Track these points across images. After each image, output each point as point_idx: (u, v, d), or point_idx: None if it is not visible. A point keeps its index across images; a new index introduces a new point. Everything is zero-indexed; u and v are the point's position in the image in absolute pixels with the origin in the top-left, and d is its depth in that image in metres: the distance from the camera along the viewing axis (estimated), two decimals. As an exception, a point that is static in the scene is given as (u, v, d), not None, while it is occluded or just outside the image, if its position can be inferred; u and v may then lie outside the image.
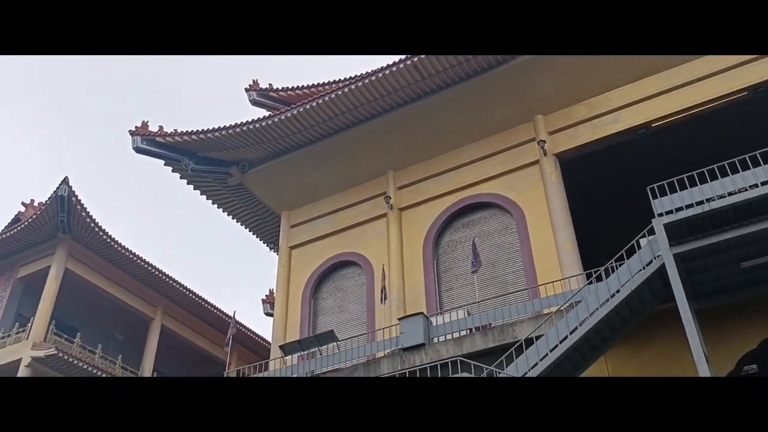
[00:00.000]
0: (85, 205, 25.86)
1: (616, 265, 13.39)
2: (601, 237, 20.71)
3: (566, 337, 12.68)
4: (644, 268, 12.62)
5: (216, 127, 21.10)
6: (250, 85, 25.22)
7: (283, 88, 24.85)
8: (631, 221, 17.34)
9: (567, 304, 13.96)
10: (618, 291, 12.64)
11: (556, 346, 12.69)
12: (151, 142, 21.96)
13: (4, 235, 26.46)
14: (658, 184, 13.44)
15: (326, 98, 19.65)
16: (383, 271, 18.95)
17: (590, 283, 13.82)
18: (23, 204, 29.10)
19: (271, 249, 25.87)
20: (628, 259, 13.04)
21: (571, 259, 16.65)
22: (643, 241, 13.24)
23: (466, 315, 16.23)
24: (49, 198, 25.40)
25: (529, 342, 13.35)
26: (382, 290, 18.25)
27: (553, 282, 15.56)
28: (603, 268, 13.78)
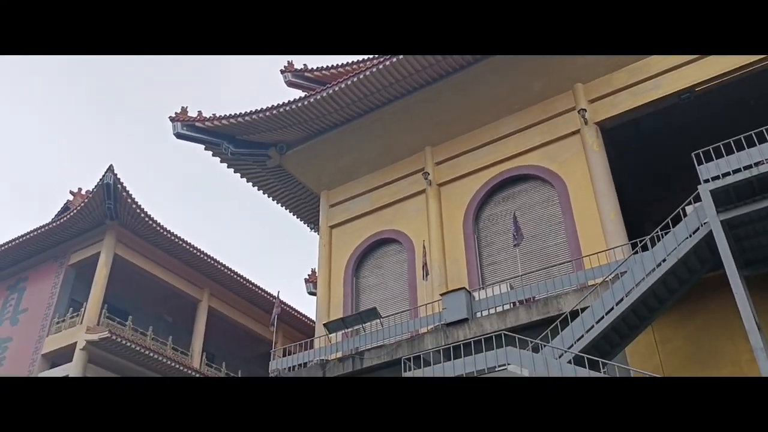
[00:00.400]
0: (130, 192, 26.42)
1: (661, 234, 13.13)
2: (645, 206, 20.29)
3: (612, 309, 12.53)
4: (691, 235, 12.34)
5: (253, 110, 21.26)
6: (285, 66, 25.30)
7: (318, 67, 24.86)
8: (676, 188, 16.98)
9: (612, 275, 13.78)
10: (664, 260, 12.40)
11: (602, 317, 12.56)
12: (191, 128, 22.26)
13: (54, 224, 27.25)
14: (704, 149, 13.06)
15: (361, 76, 19.58)
16: (424, 247, 18.94)
17: (635, 252, 13.61)
18: (71, 193, 29.87)
19: (311, 229, 26.09)
20: (674, 227, 12.76)
21: (616, 229, 16.38)
22: (689, 209, 12.94)
23: (509, 289, 16.15)
24: (96, 186, 26.01)
25: (574, 314, 13.24)
26: (423, 266, 18.26)
27: (597, 253, 15.36)
28: (648, 237, 13.54)
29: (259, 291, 32.66)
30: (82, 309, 26.12)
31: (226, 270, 30.95)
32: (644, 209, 20.12)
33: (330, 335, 18.71)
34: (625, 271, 13.06)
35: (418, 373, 13.33)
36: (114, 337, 24.39)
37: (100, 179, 25.86)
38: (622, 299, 12.52)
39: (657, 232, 13.37)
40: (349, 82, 19.79)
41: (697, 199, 12.53)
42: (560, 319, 13.36)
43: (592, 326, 12.59)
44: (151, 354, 25.62)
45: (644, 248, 13.39)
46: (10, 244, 28.22)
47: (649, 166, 20.80)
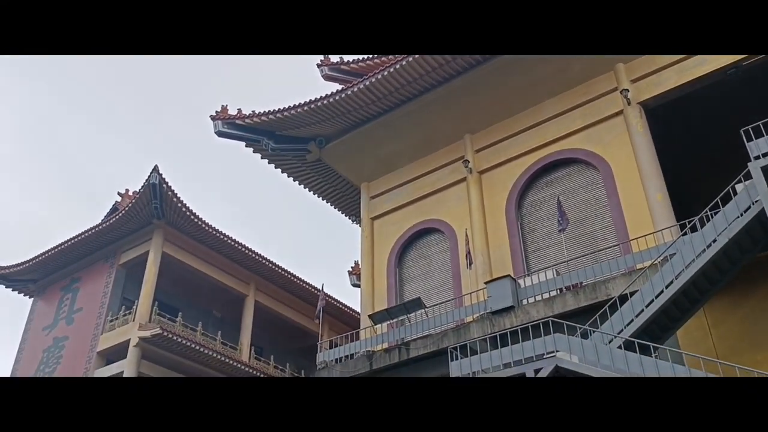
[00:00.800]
0: (175, 191, 26.94)
1: (711, 214, 12.79)
2: (693, 186, 19.79)
3: (662, 292, 12.28)
4: (742, 214, 11.99)
5: (292, 105, 21.42)
6: (321, 60, 25.39)
7: (354, 60, 24.88)
8: (725, 167, 16.48)
9: (661, 258, 13.50)
10: (715, 240, 12.09)
11: (652, 301, 12.32)
12: (232, 125, 22.54)
13: (104, 225, 27.97)
14: (753, 125, 12.67)
15: (398, 66, 19.53)
16: (466, 235, 18.85)
17: (684, 234, 13.30)
18: (119, 194, 30.61)
19: (353, 221, 26.21)
20: (724, 206, 12.42)
21: (663, 211, 16.03)
22: (739, 187, 12.56)
23: (555, 275, 15.96)
24: (142, 186, 26.58)
25: (623, 299, 13.02)
26: (467, 255, 18.18)
27: (645, 236, 15.04)
28: (697, 217, 13.22)
29: (304, 284, 32.99)
30: (134, 307, 26.79)
31: (270, 265, 31.34)
32: (692, 189, 19.62)
33: (375, 326, 18.80)
34: (675, 253, 12.78)
35: (464, 362, 13.29)
36: (165, 334, 24.94)
37: (146, 180, 26.42)
38: (671, 282, 12.25)
39: (706, 212, 13.04)
40: (386, 73, 19.76)
41: (748, 176, 12.18)
42: (609, 304, 13.16)
43: (642, 310, 12.36)
44: (202, 349, 26.14)
45: (693, 229, 13.07)
46: (62, 246, 29.08)
47: (695, 145, 20.25)
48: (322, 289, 21.93)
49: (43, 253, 29.72)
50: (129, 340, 25.50)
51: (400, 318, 18.39)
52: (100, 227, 28.01)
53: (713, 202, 12.91)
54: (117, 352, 25.94)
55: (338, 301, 34.52)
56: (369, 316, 19.19)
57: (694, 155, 20.39)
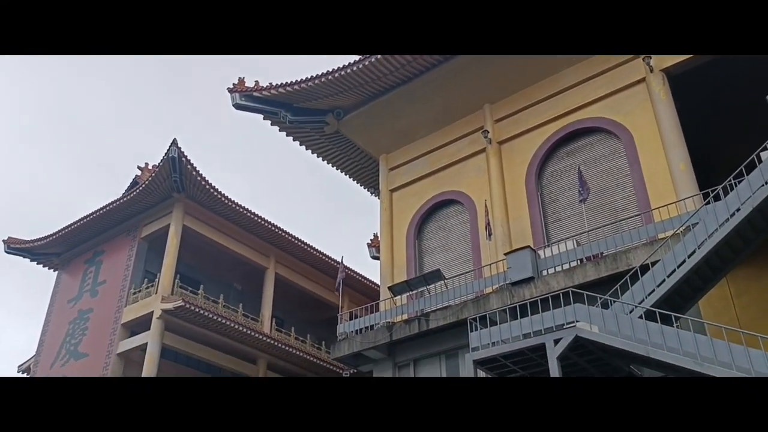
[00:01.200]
0: (194, 165, 27.03)
1: (735, 183, 12.57)
2: (717, 154, 19.46)
3: (684, 261, 12.16)
4: (767, 183, 11.76)
5: (309, 77, 21.30)
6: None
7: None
8: (749, 134, 16.17)
9: (683, 227, 13.34)
10: (738, 209, 11.90)
11: (674, 271, 12.21)
12: (249, 98, 22.49)
13: (125, 199, 28.20)
14: (779, 91, 12.36)
15: (415, 36, 19.26)
16: (486, 206, 18.75)
17: (707, 203, 13.10)
18: (139, 168, 30.80)
19: (372, 193, 26.19)
20: (748, 174, 12.19)
21: (686, 180, 15.79)
22: (764, 155, 12.32)
23: (575, 245, 15.85)
24: (162, 160, 26.70)
25: (644, 269, 12.91)
26: (486, 226, 18.10)
27: (667, 205, 14.85)
28: (721, 186, 13.00)
29: (323, 257, 33.13)
30: (156, 279, 27.12)
31: (290, 237, 31.49)
32: (715, 158, 19.32)
33: (395, 298, 18.87)
34: (697, 223, 12.62)
35: (484, 333, 13.31)
36: (188, 306, 25.24)
37: (165, 153, 26.52)
38: (694, 251, 12.12)
39: (730, 180, 12.82)
40: (403, 43, 19.51)
41: (774, 144, 11.92)
42: (630, 274, 13.06)
43: (664, 280, 12.26)
44: (224, 321, 26.44)
45: (716, 198, 12.87)
46: (85, 220, 29.42)
47: (719, 113, 19.87)
48: (342, 261, 22.01)
49: (67, 227, 30.11)
50: (152, 312, 25.85)
51: (420, 289, 18.44)
52: (121, 201, 28.26)
53: (737, 171, 12.69)
54: (141, 324, 26.34)
55: (358, 274, 34.67)
56: (389, 287, 19.25)
57: (717, 123, 20.02)
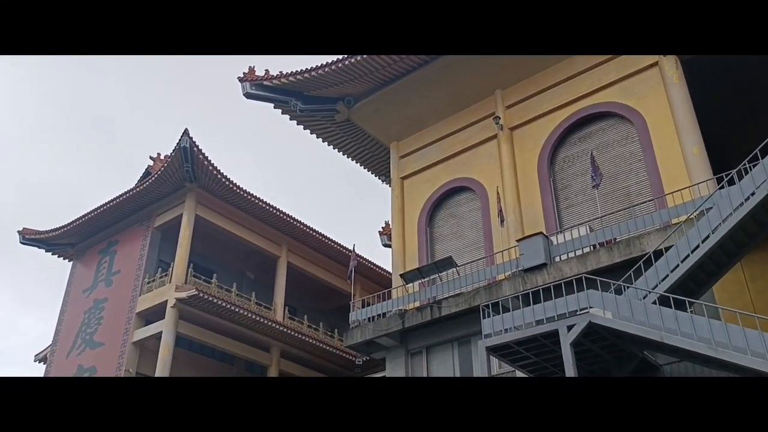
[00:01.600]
0: (206, 155, 27.12)
1: (749, 167, 12.43)
2: (731, 138, 19.26)
3: (698, 246, 12.07)
4: (783, 166, 11.63)
5: (319, 65, 21.25)
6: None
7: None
8: (764, 118, 16.00)
9: (697, 212, 13.22)
10: (753, 194, 11.79)
11: (688, 256, 12.12)
12: (260, 87, 22.47)
13: (138, 189, 28.37)
14: (796, 73, 12.19)
15: (425, 22, 19.14)
16: (498, 193, 18.69)
17: (721, 187, 12.97)
18: (151, 158, 30.94)
19: (383, 181, 26.16)
20: (763, 158, 12.06)
21: (699, 164, 15.65)
22: (780, 138, 12.18)
23: (588, 231, 15.78)
24: (174, 150, 26.81)
25: (658, 254, 12.83)
26: (499, 213, 18.04)
27: (680, 190, 14.74)
28: (735, 170, 12.87)
29: (335, 245, 33.22)
30: (170, 269, 27.31)
31: (302, 226, 31.58)
32: (729, 142, 19.12)
33: (407, 285, 18.89)
34: (711, 207, 12.50)
35: (497, 319, 13.31)
36: (201, 295, 25.42)
37: (177, 143, 26.62)
38: (708, 236, 12.02)
39: (744, 164, 12.68)
40: (413, 30, 19.40)
41: (790, 127, 11.77)
42: (643, 259, 12.98)
43: (677, 265, 12.18)
44: (237, 309, 26.62)
45: (730, 182, 12.74)
46: (98, 211, 29.64)
47: (733, 96, 19.63)
48: (354, 249, 22.04)
49: (81, 218, 30.36)
50: (166, 301, 26.06)
51: (432, 277, 18.44)
52: (134, 191, 28.43)
53: (752, 154, 12.55)
54: (155, 313, 26.57)
55: (370, 262, 34.74)
56: (400, 275, 19.27)
57: (731, 106, 19.79)
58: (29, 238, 32.42)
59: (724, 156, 17.82)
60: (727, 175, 13.13)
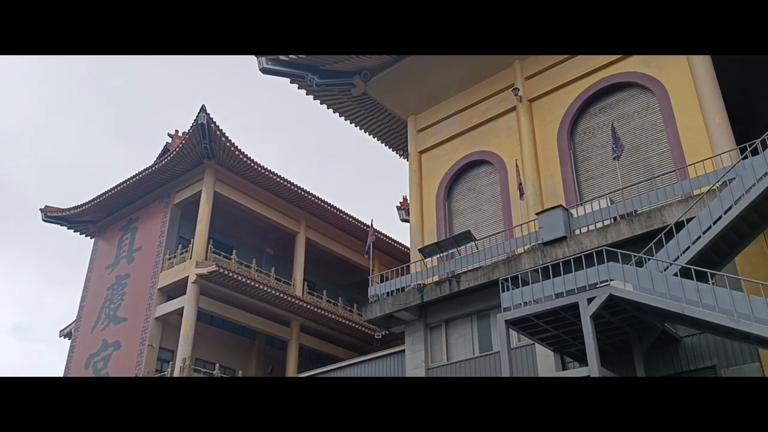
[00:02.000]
0: (224, 131, 27.15)
1: (775, 136, 12.20)
2: (754, 107, 18.89)
3: (720, 218, 11.91)
4: (809, 135, 11.40)
5: (335, 39, 21.05)
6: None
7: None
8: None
9: (720, 183, 13.04)
10: (778, 163, 11.56)
11: (710, 227, 11.98)
12: (276, 62, 22.37)
13: (156, 166, 28.53)
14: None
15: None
16: (517, 166, 18.54)
17: (745, 158, 12.74)
18: (169, 135, 31.04)
19: (400, 156, 26.06)
20: (789, 127, 11.82)
21: (722, 135, 15.38)
22: (807, 106, 11.91)
23: (608, 203, 15.63)
24: (191, 127, 26.86)
25: (679, 226, 12.70)
26: (518, 186, 17.91)
27: (703, 161, 14.53)
28: (759, 140, 12.63)
29: (353, 221, 33.26)
30: (190, 245, 27.55)
31: (320, 202, 31.62)
32: (753, 111, 18.75)
33: (425, 260, 18.89)
34: (734, 178, 12.30)
35: (516, 293, 13.28)
36: (221, 271, 25.65)
37: (195, 120, 26.66)
38: (730, 207, 11.85)
39: (769, 134, 12.43)
40: None
41: (817, 94, 11.50)
42: (665, 231, 12.85)
43: (699, 237, 12.04)
44: (257, 284, 26.83)
45: (754, 152, 12.52)
46: (119, 188, 29.88)
47: (757, 64, 19.19)
48: (372, 224, 22.06)
49: (101, 195, 30.64)
50: (187, 277, 26.34)
51: (450, 251, 18.42)
52: (153, 168, 28.60)
53: (777, 123, 12.31)
54: (177, 289, 26.88)
55: (388, 237, 34.77)
56: (419, 249, 19.27)
57: (755, 75, 19.36)
58: (51, 215, 32.82)
59: (748, 126, 17.50)
60: (750, 145, 12.90)
